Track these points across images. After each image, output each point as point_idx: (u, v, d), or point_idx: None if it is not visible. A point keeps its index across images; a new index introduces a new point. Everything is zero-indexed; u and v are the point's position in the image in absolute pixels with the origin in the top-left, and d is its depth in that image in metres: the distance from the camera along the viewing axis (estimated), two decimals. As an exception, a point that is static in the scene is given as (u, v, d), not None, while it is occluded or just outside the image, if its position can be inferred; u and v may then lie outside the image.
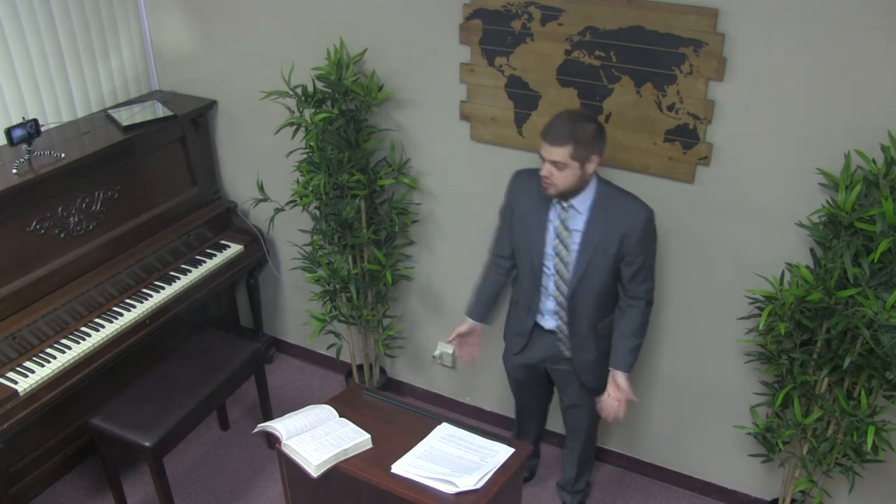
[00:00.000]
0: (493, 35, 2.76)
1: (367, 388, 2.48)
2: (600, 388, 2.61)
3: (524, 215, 2.52)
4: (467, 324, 2.73)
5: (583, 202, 2.41)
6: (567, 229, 2.44)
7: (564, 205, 2.42)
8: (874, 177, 2.27)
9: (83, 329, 2.95)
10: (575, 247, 2.45)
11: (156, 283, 3.25)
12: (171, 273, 3.32)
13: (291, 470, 2.22)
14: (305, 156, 3.13)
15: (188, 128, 3.46)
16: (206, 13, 3.36)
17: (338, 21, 3.05)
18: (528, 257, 2.53)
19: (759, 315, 2.49)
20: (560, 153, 2.28)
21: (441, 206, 3.21)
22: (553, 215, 2.46)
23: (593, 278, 2.45)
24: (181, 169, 3.49)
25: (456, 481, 2.01)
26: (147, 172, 3.32)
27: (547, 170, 2.33)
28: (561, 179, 2.33)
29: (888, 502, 2.82)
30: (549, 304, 2.59)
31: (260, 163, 3.54)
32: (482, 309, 2.73)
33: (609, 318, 2.56)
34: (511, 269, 2.68)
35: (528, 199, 2.51)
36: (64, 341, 2.88)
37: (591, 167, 2.34)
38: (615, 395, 2.55)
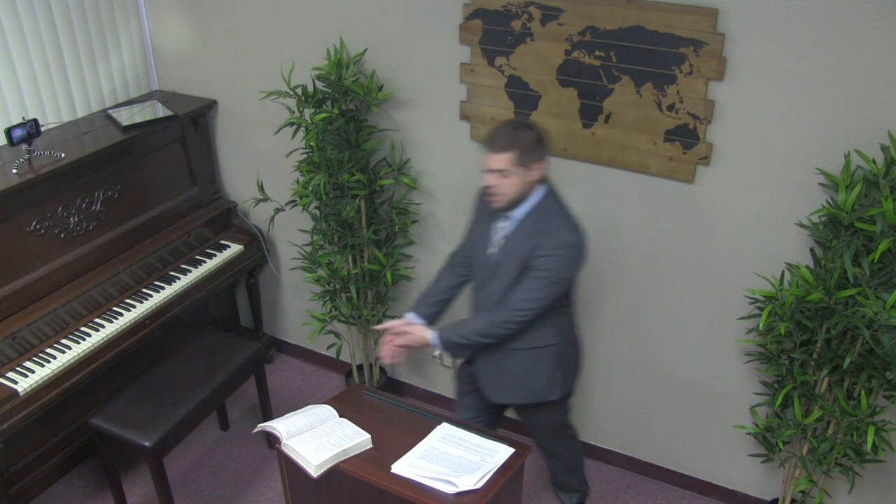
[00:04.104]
0: (493, 35, 2.76)
1: (367, 388, 2.48)
2: (504, 402, 2.56)
3: (479, 228, 2.51)
4: (403, 318, 2.60)
5: (521, 211, 2.36)
6: (505, 236, 2.41)
7: (506, 215, 2.39)
8: (874, 177, 2.27)
9: (83, 329, 2.95)
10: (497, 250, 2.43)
11: (156, 283, 3.25)
12: (171, 273, 3.32)
13: (291, 470, 2.22)
14: (305, 156, 3.14)
15: (188, 128, 3.46)
16: (206, 13, 3.36)
17: (338, 21, 3.05)
18: (476, 267, 2.52)
19: (759, 315, 2.49)
20: (501, 161, 2.25)
21: (441, 206, 3.20)
22: (497, 225, 2.43)
23: (497, 282, 2.41)
24: (181, 169, 3.49)
25: (456, 481, 2.01)
26: (147, 172, 3.32)
27: (492, 180, 2.30)
28: (506, 188, 2.29)
29: (888, 502, 2.82)
30: None
31: (260, 163, 3.54)
32: (421, 305, 2.64)
33: (520, 337, 2.44)
34: (463, 275, 2.63)
35: (484, 213, 2.49)
36: (64, 341, 2.88)
37: (534, 174, 2.30)
38: (398, 330, 2.50)
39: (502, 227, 2.41)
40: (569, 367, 2.57)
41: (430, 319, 2.63)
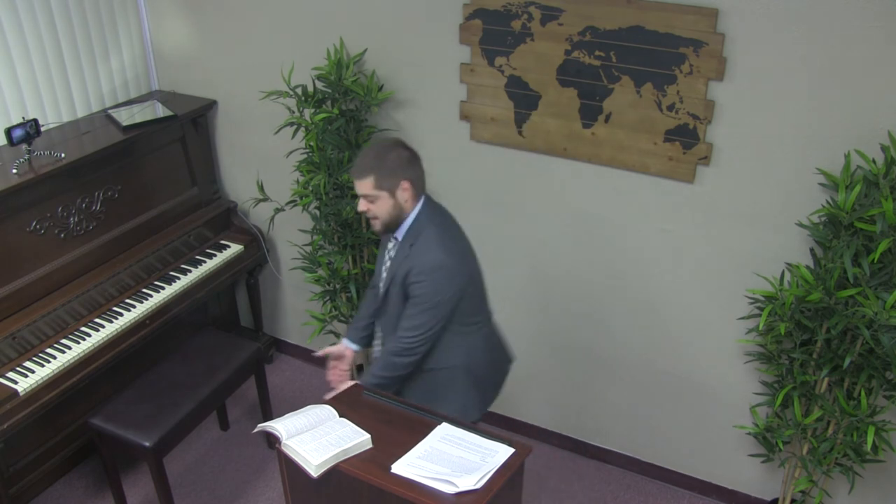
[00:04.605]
0: (493, 35, 2.76)
1: (367, 388, 2.48)
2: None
3: (380, 251, 2.48)
4: (339, 345, 2.64)
5: (401, 232, 2.33)
6: (390, 258, 2.39)
7: (392, 236, 2.37)
8: (874, 177, 2.27)
9: (83, 329, 2.95)
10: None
11: (156, 283, 3.25)
12: (171, 273, 3.32)
13: (291, 470, 2.22)
14: (305, 156, 3.13)
15: (188, 128, 3.46)
16: (206, 13, 3.36)
17: (338, 21, 3.05)
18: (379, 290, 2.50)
19: (759, 315, 2.49)
20: (365, 186, 2.23)
21: (441, 206, 3.20)
22: (388, 247, 2.42)
23: (391, 307, 2.39)
24: (181, 169, 3.49)
25: (456, 481, 2.00)
26: (147, 172, 3.32)
27: (362, 205, 2.28)
28: (379, 211, 2.27)
29: (888, 502, 2.82)
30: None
31: (260, 163, 3.54)
32: (352, 330, 2.65)
33: (425, 356, 2.40)
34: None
35: (383, 241, 2.46)
36: (64, 341, 2.88)
37: (403, 194, 2.26)
38: (336, 355, 2.58)
39: (391, 249, 2.39)
40: (485, 387, 2.50)
41: (364, 343, 2.65)
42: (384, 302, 2.43)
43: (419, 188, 2.31)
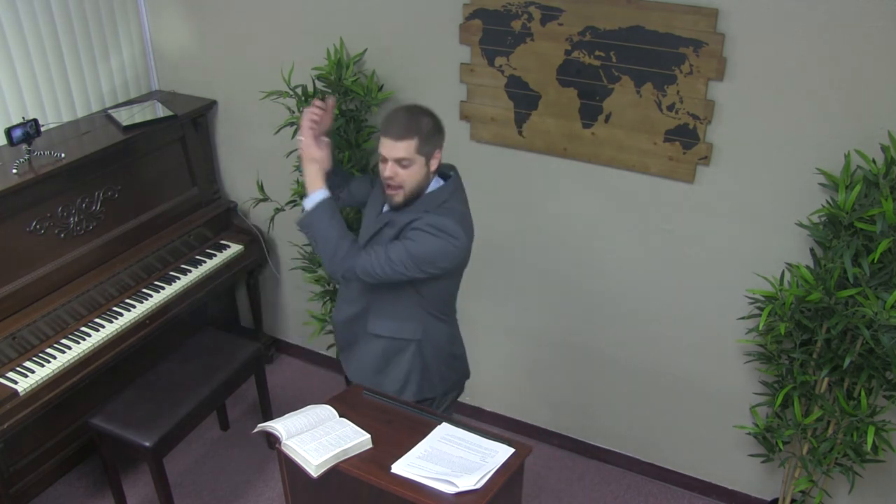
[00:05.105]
0: (493, 35, 2.76)
1: (367, 388, 2.48)
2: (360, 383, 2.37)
3: (369, 208, 2.38)
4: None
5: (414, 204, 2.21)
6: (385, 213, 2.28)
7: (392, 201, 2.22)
8: (874, 177, 2.27)
9: (83, 329, 2.95)
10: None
11: (156, 283, 3.25)
12: (171, 273, 3.32)
13: (291, 470, 2.22)
14: (305, 156, 3.13)
15: (188, 128, 3.46)
16: (206, 13, 3.36)
17: (338, 21, 3.05)
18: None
19: (759, 315, 2.49)
20: (405, 148, 2.09)
21: (441, 206, 3.20)
22: (384, 210, 2.30)
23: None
24: (181, 169, 3.49)
25: (456, 481, 2.00)
26: (147, 172, 3.33)
27: (391, 170, 2.13)
28: (408, 179, 2.14)
29: (888, 502, 2.82)
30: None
31: (260, 163, 3.54)
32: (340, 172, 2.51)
33: (382, 322, 2.35)
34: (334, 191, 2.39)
35: (378, 198, 2.35)
36: (64, 341, 2.88)
37: (433, 164, 2.17)
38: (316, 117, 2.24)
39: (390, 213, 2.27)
40: (430, 375, 2.42)
41: (337, 178, 2.47)
42: (369, 243, 2.28)
43: (441, 159, 2.21)
